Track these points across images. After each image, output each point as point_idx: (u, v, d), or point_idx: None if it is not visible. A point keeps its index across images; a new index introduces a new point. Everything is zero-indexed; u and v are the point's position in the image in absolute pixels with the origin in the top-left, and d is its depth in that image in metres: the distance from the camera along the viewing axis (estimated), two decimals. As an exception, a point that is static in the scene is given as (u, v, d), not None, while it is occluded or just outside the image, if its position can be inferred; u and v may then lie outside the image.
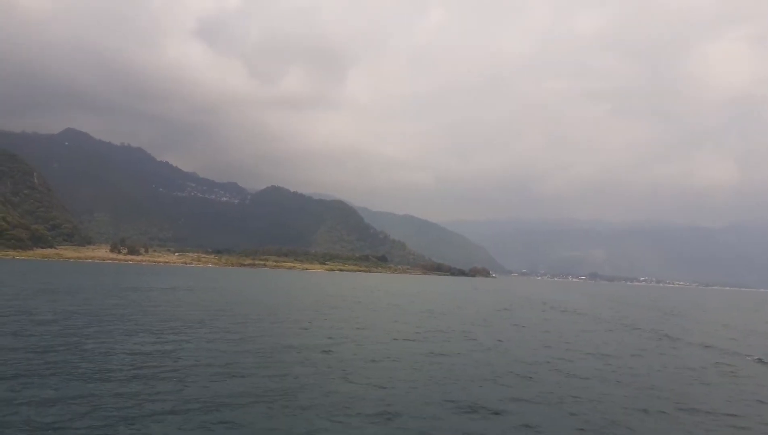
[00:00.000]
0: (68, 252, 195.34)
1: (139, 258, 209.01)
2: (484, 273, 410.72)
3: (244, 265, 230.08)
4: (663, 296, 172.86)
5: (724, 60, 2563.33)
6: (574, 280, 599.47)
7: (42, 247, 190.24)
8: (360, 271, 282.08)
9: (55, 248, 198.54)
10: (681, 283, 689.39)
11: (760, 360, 32.18)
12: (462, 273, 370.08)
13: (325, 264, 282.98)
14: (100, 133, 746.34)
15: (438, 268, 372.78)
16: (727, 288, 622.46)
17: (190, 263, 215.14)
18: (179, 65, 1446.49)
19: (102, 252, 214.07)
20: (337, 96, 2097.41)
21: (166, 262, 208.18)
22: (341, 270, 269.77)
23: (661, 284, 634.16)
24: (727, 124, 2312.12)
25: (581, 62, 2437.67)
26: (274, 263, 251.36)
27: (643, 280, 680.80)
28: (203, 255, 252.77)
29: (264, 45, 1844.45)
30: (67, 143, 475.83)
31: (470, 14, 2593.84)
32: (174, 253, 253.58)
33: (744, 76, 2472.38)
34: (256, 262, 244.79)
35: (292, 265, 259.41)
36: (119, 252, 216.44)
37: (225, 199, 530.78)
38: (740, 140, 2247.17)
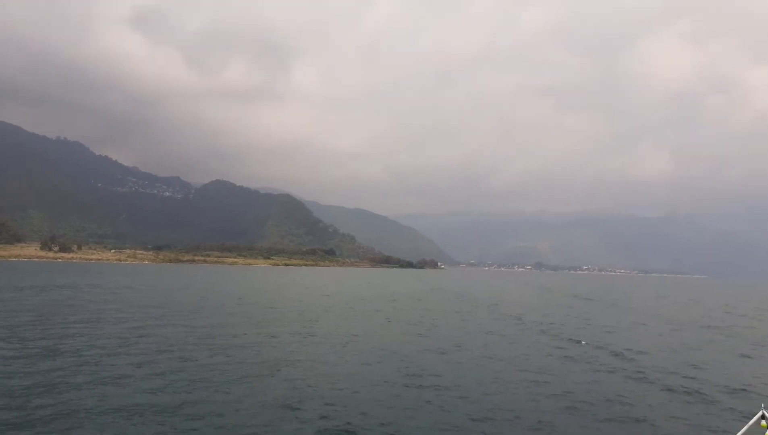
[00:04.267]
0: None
1: (69, 256, 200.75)
2: (432, 265, 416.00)
3: (183, 261, 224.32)
4: (597, 284, 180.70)
5: (664, 56, 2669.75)
6: (519, 269, 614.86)
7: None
8: (306, 265, 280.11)
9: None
10: (622, 270, 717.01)
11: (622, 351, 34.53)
12: (410, 265, 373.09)
13: (270, 259, 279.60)
14: (34, 125, 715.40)
15: (386, 261, 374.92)
16: (665, 275, 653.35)
17: (125, 260, 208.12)
18: (115, 55, 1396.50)
19: (30, 250, 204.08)
20: (284, 88, 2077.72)
21: (99, 260, 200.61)
22: (286, 265, 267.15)
23: (603, 272, 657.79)
24: (665, 118, 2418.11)
25: (527, 58, 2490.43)
26: (216, 259, 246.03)
27: (586, 269, 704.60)
28: (140, 251, 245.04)
29: (203, 35, 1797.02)
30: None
31: (418, 8, 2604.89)
32: (110, 250, 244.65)
33: (682, 72, 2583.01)
34: (196, 258, 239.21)
35: (234, 260, 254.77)
36: (50, 249, 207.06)
37: (168, 193, 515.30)
38: (677, 134, 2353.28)
